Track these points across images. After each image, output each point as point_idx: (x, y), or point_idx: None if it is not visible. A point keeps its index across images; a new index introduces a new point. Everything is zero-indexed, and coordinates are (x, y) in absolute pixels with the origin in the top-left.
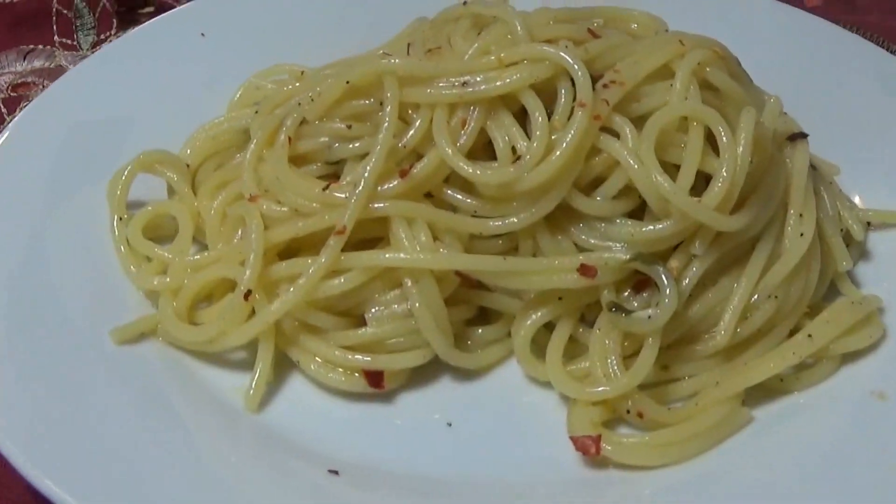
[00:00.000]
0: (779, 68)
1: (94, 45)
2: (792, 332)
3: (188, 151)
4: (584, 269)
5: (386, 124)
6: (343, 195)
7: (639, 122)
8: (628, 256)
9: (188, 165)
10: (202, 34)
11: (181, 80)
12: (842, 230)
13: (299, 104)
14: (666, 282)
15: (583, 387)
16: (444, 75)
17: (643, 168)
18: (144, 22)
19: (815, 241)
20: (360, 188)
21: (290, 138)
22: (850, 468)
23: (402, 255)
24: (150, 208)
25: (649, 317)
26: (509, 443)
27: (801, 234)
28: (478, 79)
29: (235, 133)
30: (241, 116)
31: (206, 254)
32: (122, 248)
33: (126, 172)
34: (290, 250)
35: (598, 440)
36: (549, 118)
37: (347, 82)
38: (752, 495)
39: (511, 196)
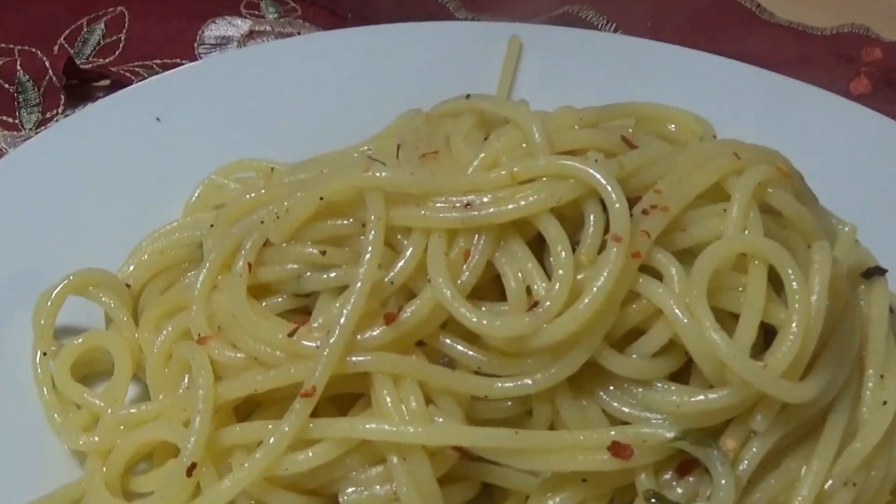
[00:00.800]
0: (839, 173)
1: (39, 125)
2: None
3: (130, 268)
4: (618, 449)
5: (368, 254)
6: (313, 344)
7: (683, 256)
8: (673, 434)
9: (128, 286)
10: (157, 119)
11: (132, 173)
12: None
13: (262, 222)
14: (721, 469)
15: None
16: (443, 193)
17: (693, 322)
18: (98, 98)
19: None
20: (335, 337)
21: (249, 265)
22: None
23: (385, 426)
24: (80, 341)
25: None
26: None
27: (885, 403)
28: (485, 199)
29: (189, 246)
30: (196, 223)
31: (143, 406)
32: (46, 390)
33: (53, 297)
34: (249, 403)
35: None
36: (574, 251)
37: (321, 198)
38: None
39: (525, 351)
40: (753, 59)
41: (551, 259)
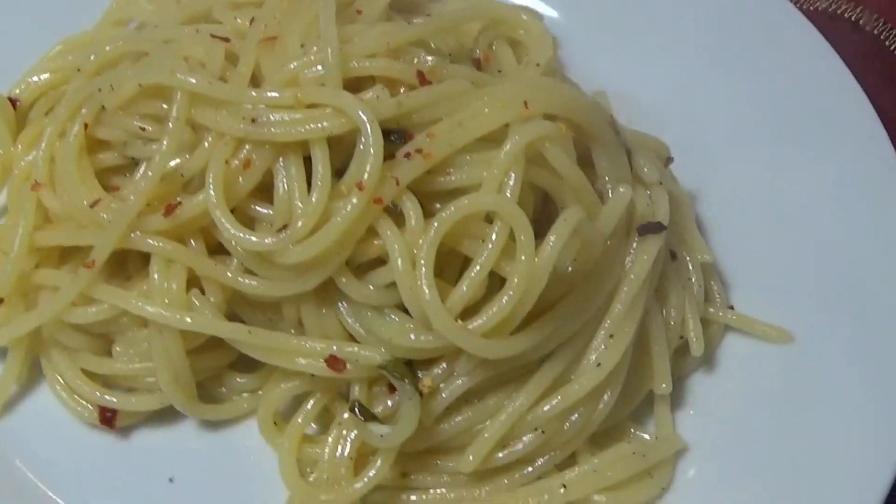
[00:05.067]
0: None
1: None
2: (562, 463)
3: (26, 82)
4: (333, 362)
5: (164, 145)
6: (107, 217)
7: (448, 196)
8: (379, 362)
9: (17, 102)
10: None
11: None
12: (681, 337)
13: (100, 90)
14: (408, 403)
15: (302, 484)
16: (237, 103)
17: (409, 273)
18: None
19: (621, 367)
20: (121, 216)
21: (86, 125)
22: None
23: (147, 306)
24: None
25: (382, 436)
26: None
27: (599, 364)
28: (271, 116)
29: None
30: (94, 45)
31: None
32: None
33: None
34: (71, 251)
35: None
36: (340, 177)
37: (140, 84)
38: None
39: (273, 265)
40: None
41: (313, 185)
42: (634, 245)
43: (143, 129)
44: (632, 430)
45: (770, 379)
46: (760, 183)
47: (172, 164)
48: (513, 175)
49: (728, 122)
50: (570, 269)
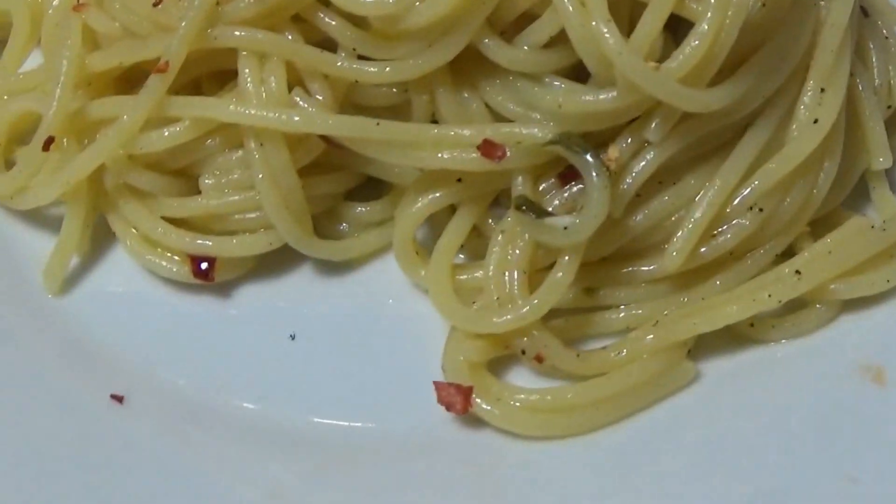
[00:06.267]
0: None
1: None
2: (782, 255)
3: None
4: (488, 148)
5: None
6: (177, 15)
7: None
8: (549, 137)
9: None
10: None
11: None
12: (889, 107)
13: None
14: (596, 180)
15: (464, 311)
16: None
17: (582, 11)
18: None
19: (839, 129)
20: (195, 7)
21: None
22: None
23: (240, 108)
24: None
25: (566, 227)
26: (364, 377)
27: (816, 121)
28: None
29: None
30: None
31: (33, 71)
32: None
33: None
34: (132, 80)
35: (467, 394)
36: None
37: None
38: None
39: (400, 33)
40: None
41: None
42: None
43: None
44: (849, 218)
45: None
46: None
47: None
48: None
49: None
50: (764, 5)
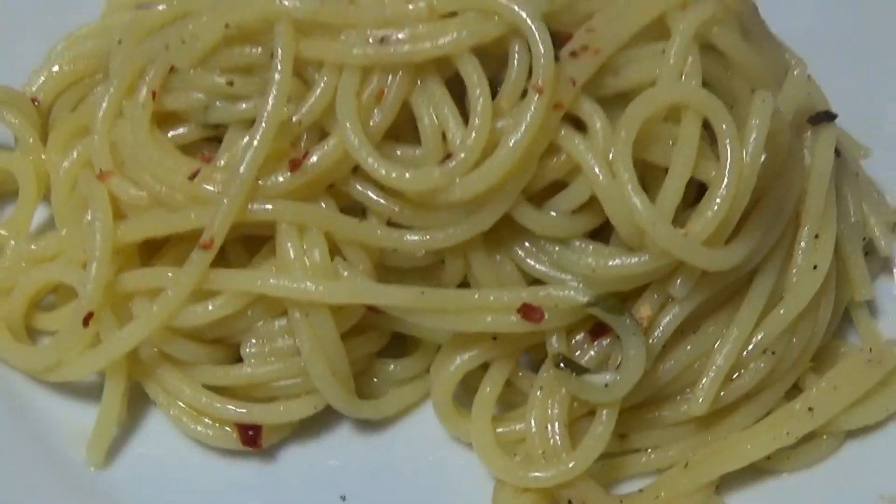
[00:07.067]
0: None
1: None
2: (789, 390)
3: (40, 80)
4: (528, 311)
5: (274, 91)
6: (215, 189)
7: (615, 101)
8: (587, 299)
9: (37, 101)
10: None
11: None
12: (864, 238)
13: (167, 47)
14: (633, 339)
15: (513, 465)
16: (357, 25)
17: (613, 183)
18: None
19: (832, 269)
20: (235, 185)
21: (154, 92)
22: None
23: (285, 281)
24: None
25: (606, 385)
26: None
27: (815, 267)
28: (400, 35)
29: (102, 55)
30: (112, 27)
31: (48, 237)
32: None
33: None
34: (156, 242)
35: None
36: (495, 95)
37: (227, 25)
38: None
39: (438, 205)
40: None
41: (469, 105)
42: (808, 136)
43: (230, 84)
44: (841, 348)
45: None
46: None
47: None
48: (690, 59)
49: None
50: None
